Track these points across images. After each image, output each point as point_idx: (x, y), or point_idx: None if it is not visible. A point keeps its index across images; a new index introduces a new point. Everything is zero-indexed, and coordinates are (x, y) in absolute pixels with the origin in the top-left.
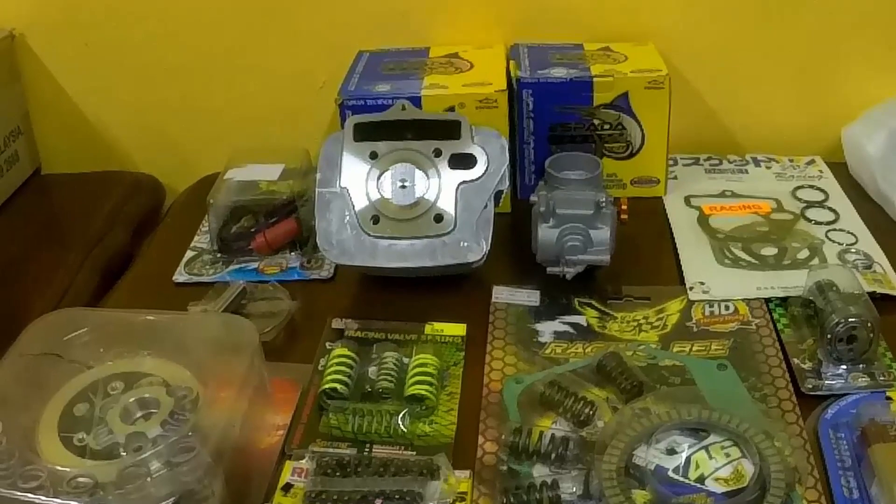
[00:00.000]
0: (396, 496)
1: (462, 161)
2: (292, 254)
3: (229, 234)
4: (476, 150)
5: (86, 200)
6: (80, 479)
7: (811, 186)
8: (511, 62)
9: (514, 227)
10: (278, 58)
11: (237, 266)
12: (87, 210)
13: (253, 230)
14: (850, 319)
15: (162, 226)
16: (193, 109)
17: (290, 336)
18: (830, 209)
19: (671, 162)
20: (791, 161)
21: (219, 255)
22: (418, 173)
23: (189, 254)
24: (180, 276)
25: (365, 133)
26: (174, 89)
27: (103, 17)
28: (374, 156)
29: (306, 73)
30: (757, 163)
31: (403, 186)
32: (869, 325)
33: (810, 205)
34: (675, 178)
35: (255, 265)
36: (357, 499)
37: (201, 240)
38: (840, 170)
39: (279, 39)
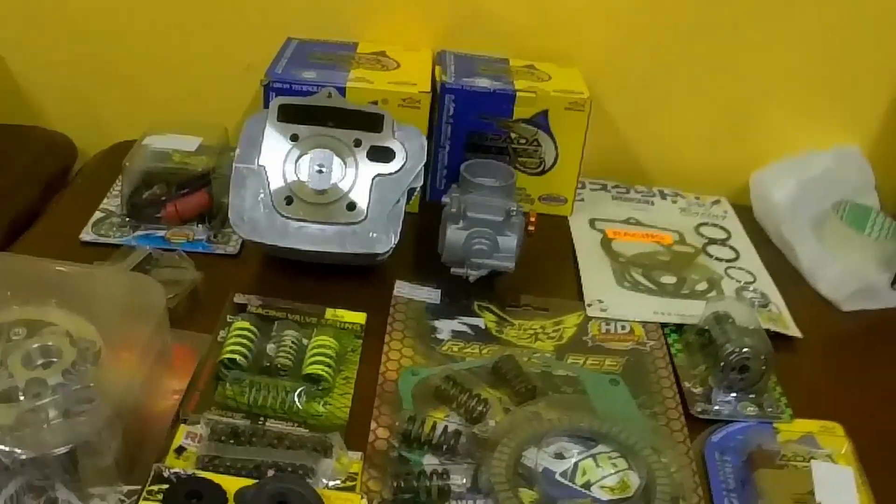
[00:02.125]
0: (289, 468)
1: (381, 154)
2: (200, 226)
3: (140, 200)
4: (396, 146)
5: None
6: None
7: (715, 224)
8: (437, 67)
9: (420, 228)
10: (206, 36)
11: (144, 232)
12: None
13: (164, 198)
14: (744, 350)
15: (72, 185)
16: (116, 75)
17: (192, 306)
18: (732, 248)
19: (580, 185)
20: (697, 199)
21: (127, 219)
22: (336, 160)
23: (97, 215)
24: (87, 235)
25: (288, 115)
26: (99, 53)
27: None
28: (295, 138)
29: (231, 53)
30: (663, 196)
31: (320, 171)
32: (762, 357)
33: (712, 241)
34: (583, 200)
35: (162, 233)
36: (250, 467)
37: (111, 203)
38: (744, 213)
39: (209, 17)
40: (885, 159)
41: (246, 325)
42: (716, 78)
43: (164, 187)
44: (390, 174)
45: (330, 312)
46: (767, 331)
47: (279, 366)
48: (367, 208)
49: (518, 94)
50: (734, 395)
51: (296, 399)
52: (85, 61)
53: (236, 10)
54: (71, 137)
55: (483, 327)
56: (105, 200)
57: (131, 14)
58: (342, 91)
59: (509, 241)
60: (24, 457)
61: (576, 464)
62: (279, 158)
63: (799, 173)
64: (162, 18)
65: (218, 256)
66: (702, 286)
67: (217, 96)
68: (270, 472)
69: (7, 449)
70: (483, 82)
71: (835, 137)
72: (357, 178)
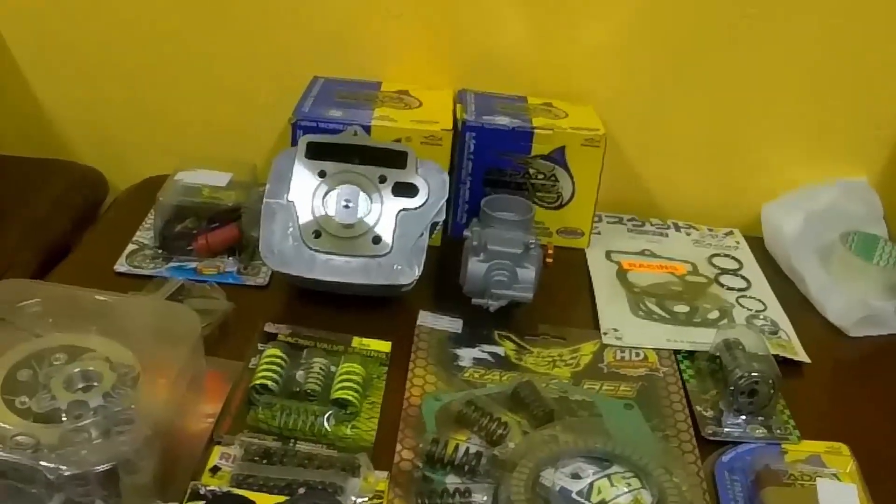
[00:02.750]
0: (319, 486)
1: (405, 190)
2: (230, 259)
3: (172, 233)
4: (419, 182)
5: (29, 185)
6: (21, 438)
7: (727, 255)
8: (458, 105)
9: (441, 261)
10: (232, 73)
11: (176, 264)
12: (29, 194)
13: (195, 232)
14: (753, 374)
15: (104, 218)
16: (145, 113)
17: (223, 335)
18: (743, 277)
19: (596, 218)
20: (710, 230)
21: (160, 251)
22: (362, 196)
23: (131, 247)
24: (121, 266)
25: (316, 152)
26: (129, 90)
27: (66, 12)
28: (322, 174)
29: (256, 91)
30: (677, 228)
31: (347, 206)
32: (770, 381)
33: (724, 272)
34: (599, 233)
35: (193, 265)
36: (282, 485)
37: (144, 235)
38: (756, 243)
39: (235, 56)
40: (892, 189)
41: (276, 352)
42: (726, 114)
43: (196, 221)
44: (414, 209)
45: (356, 341)
46: (777, 356)
47: (308, 391)
48: (392, 241)
49: (536, 131)
50: (743, 417)
51: (325, 422)
52: (115, 97)
53: (264, 48)
54: (102, 172)
55: (503, 355)
56: (138, 233)
57: (161, 52)
58: (367, 129)
59: (528, 273)
60: (67, 473)
61: (591, 483)
62: (308, 194)
63: (808, 205)
64: (191, 57)
65: (247, 288)
66: (713, 315)
67: (244, 132)
68: (301, 490)
69: (52, 466)
70: (502, 120)
71: (842, 169)
72: (382, 212)
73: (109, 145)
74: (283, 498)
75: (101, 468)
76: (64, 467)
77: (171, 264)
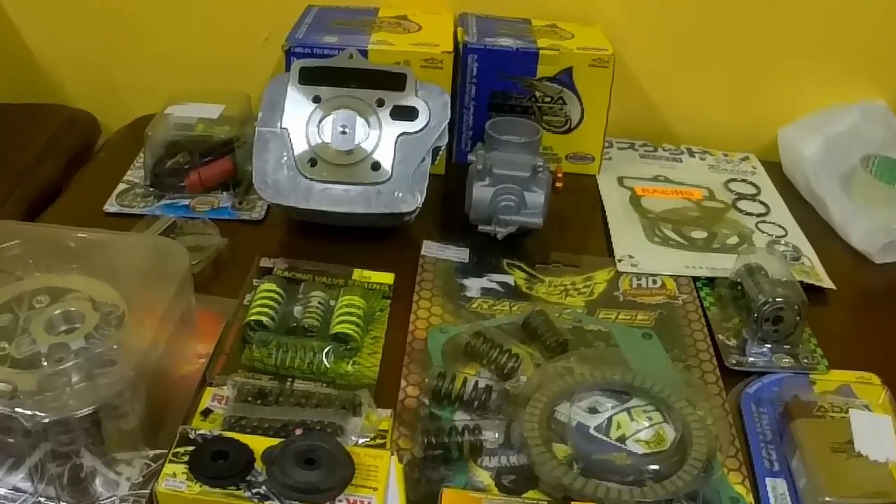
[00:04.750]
0: (317, 426)
1: (404, 113)
2: (224, 194)
3: (164, 169)
4: (419, 104)
5: (19, 130)
6: None
7: (744, 180)
8: (459, 28)
9: (446, 189)
10: (226, 7)
11: (169, 201)
12: (19, 140)
13: (187, 167)
14: (777, 300)
15: (95, 159)
16: (136, 52)
17: (217, 272)
18: (762, 203)
19: (607, 144)
20: (725, 156)
21: (151, 189)
22: (360, 121)
23: (121, 186)
24: (111, 206)
25: (310, 77)
26: (119, 30)
27: None
28: (317, 100)
29: (251, 26)
30: (691, 153)
31: (344, 132)
32: (796, 307)
33: (742, 197)
34: (610, 159)
35: (186, 202)
36: (277, 427)
37: (135, 174)
38: (773, 169)
39: None
40: None
41: (272, 286)
42: (740, 33)
43: (188, 156)
44: (414, 133)
45: (357, 273)
46: (800, 283)
47: (306, 326)
48: (392, 168)
49: (541, 52)
50: (768, 346)
51: (324, 358)
52: (105, 38)
53: None
54: (93, 113)
55: (512, 284)
56: (129, 172)
57: None
58: (364, 53)
59: (536, 197)
60: (46, 420)
61: (610, 418)
62: (302, 120)
63: (826, 128)
64: None
65: (243, 223)
66: (733, 240)
67: (238, 68)
68: (298, 431)
69: (29, 412)
70: (505, 42)
71: (860, 92)
72: (381, 138)
73: (102, 87)
74: (277, 440)
75: (81, 413)
76: (42, 413)
77: (164, 202)
